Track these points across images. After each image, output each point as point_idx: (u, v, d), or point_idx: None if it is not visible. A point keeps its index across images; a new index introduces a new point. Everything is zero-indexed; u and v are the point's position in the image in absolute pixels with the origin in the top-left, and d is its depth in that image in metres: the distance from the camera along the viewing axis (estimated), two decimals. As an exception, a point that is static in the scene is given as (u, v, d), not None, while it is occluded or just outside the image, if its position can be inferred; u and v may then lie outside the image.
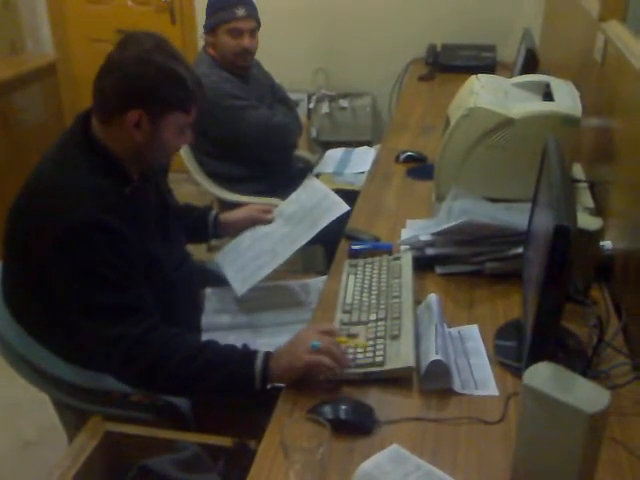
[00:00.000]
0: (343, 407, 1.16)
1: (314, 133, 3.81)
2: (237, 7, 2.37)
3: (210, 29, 2.43)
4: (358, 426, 1.15)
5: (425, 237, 1.60)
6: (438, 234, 1.58)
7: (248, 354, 1.30)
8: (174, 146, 1.47)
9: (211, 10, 2.44)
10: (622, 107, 1.71)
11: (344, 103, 3.77)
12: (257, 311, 1.73)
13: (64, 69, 3.89)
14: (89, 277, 1.31)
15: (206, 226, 1.87)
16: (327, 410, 1.15)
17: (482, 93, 1.76)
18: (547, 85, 1.86)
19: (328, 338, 1.27)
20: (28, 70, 3.52)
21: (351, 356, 1.27)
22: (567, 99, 1.76)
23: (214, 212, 1.90)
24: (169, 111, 1.40)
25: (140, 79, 1.35)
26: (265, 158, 2.55)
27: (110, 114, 1.38)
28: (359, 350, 1.29)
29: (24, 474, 2.08)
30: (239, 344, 1.34)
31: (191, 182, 2.67)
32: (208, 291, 1.80)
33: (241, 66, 2.49)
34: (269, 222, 1.86)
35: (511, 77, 2.09)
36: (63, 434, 1.65)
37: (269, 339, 1.52)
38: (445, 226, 1.56)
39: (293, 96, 2.90)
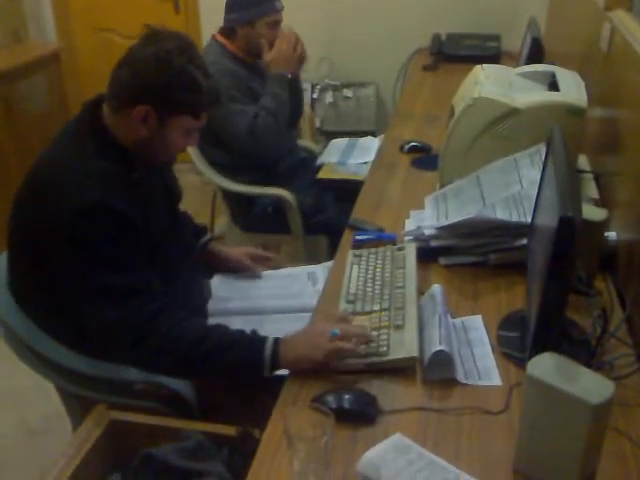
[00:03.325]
0: (347, 396, 1.17)
1: (318, 123, 3.80)
2: (276, 0, 2.46)
3: (248, 22, 2.44)
4: (361, 415, 1.15)
5: (429, 231, 1.60)
6: (442, 229, 1.58)
7: (257, 339, 1.31)
8: (178, 146, 1.46)
9: (246, 3, 2.44)
10: (628, 97, 1.70)
11: (348, 93, 3.76)
12: (264, 298, 1.73)
13: (68, 58, 3.87)
14: (94, 259, 1.32)
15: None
16: (331, 399, 1.15)
17: (487, 83, 1.75)
18: (552, 75, 1.85)
19: (344, 324, 1.30)
20: (31, 59, 3.50)
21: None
22: (572, 89, 1.75)
23: (208, 237, 1.83)
24: (178, 113, 1.39)
25: (154, 78, 1.35)
26: (257, 157, 2.52)
27: (120, 104, 1.39)
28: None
29: (29, 462, 2.09)
30: (247, 329, 1.35)
31: (194, 172, 2.67)
32: (215, 278, 1.80)
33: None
34: (257, 273, 1.80)
35: (516, 67, 2.07)
36: (68, 422, 1.66)
37: (275, 325, 1.53)
38: (450, 221, 1.56)
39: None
